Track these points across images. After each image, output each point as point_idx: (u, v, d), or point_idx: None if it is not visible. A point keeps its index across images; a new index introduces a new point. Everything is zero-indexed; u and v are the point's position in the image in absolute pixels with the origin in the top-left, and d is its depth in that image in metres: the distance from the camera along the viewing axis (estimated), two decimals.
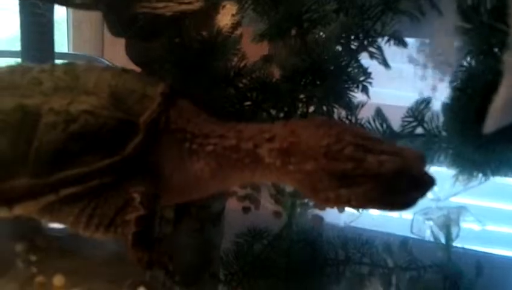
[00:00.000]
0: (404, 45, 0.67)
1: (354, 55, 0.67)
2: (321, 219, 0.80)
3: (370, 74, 0.67)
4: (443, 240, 0.76)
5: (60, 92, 0.55)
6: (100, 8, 0.71)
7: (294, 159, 0.51)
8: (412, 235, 0.79)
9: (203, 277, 0.67)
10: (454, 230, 0.77)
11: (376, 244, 0.72)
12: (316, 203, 0.75)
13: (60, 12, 1.35)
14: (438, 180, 0.49)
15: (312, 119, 0.61)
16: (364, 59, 0.67)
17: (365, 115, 0.69)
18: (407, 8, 0.64)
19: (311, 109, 0.69)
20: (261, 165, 0.53)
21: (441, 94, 0.71)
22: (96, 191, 0.52)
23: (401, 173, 0.47)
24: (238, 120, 0.58)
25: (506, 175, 0.67)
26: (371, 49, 0.66)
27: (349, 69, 0.67)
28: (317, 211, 0.80)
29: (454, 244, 0.76)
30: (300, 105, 0.69)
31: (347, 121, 0.68)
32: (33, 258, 0.59)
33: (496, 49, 0.60)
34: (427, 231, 0.79)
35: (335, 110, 0.68)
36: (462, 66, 0.64)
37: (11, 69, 0.59)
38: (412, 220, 0.80)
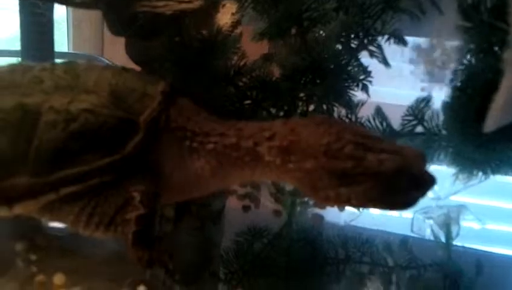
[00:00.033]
0: (404, 43, 0.67)
1: (354, 53, 0.66)
2: (321, 217, 0.80)
3: (370, 72, 0.67)
4: (443, 239, 0.77)
5: (61, 91, 0.55)
6: (100, 7, 0.71)
7: (294, 157, 0.50)
8: (412, 234, 0.79)
9: (203, 275, 0.67)
10: (454, 229, 0.77)
11: (376, 243, 0.72)
12: (316, 201, 0.75)
13: (60, 12, 1.35)
14: (438, 179, 0.49)
15: (312, 118, 0.61)
16: (364, 58, 0.67)
17: (365, 113, 0.69)
18: (407, 7, 0.64)
19: (311, 107, 0.69)
20: (261, 163, 0.53)
21: (438, 94, 0.71)
22: (96, 190, 0.52)
23: (401, 171, 0.47)
24: (238, 119, 0.58)
25: (506, 174, 0.66)
26: (371, 47, 0.66)
27: (349, 68, 0.66)
28: (317, 210, 0.80)
29: (454, 243, 0.76)
30: (300, 104, 0.69)
31: (347, 120, 0.68)
32: (33, 257, 0.59)
33: (496, 48, 0.60)
34: (427, 229, 0.79)
35: (335, 108, 0.68)
36: (462, 64, 0.63)
37: (11, 68, 0.58)
38: (412, 218, 0.80)
